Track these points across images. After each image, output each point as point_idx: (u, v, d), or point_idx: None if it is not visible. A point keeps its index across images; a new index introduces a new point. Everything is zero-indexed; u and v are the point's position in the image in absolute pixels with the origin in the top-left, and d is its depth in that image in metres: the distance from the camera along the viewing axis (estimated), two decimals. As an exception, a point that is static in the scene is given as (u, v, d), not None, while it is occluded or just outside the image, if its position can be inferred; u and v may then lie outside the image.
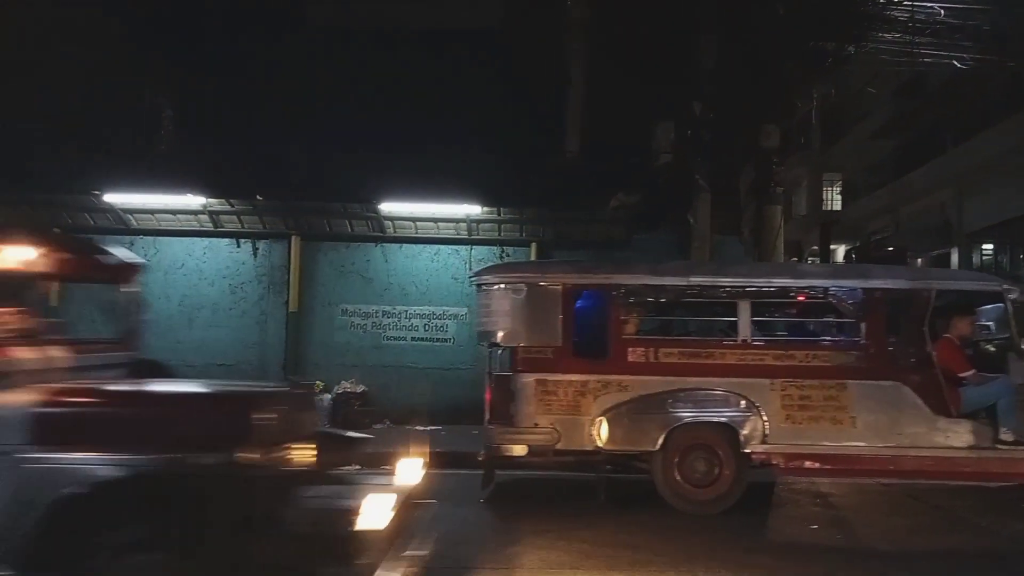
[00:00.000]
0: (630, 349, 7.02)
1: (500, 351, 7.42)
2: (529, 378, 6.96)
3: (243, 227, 12.41)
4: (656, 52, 11.70)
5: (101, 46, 12.86)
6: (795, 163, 19.88)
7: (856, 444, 6.85)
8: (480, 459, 7.27)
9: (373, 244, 12.40)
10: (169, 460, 3.51)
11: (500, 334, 7.18)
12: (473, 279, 7.98)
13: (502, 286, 7.24)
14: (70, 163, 11.48)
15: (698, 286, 7.22)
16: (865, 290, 7.05)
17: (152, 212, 12.32)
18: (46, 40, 12.57)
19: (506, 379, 7.12)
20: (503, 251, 12.30)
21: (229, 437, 3.61)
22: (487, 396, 7.29)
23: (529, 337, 7.06)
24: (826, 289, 7.11)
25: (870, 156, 22.96)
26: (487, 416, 7.24)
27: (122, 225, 12.32)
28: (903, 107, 19.56)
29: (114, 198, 12.01)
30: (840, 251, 23.88)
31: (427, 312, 12.43)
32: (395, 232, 12.31)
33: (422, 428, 9.73)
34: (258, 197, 12.13)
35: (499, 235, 12.37)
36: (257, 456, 3.58)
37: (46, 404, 3.67)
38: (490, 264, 10.18)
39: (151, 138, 13.53)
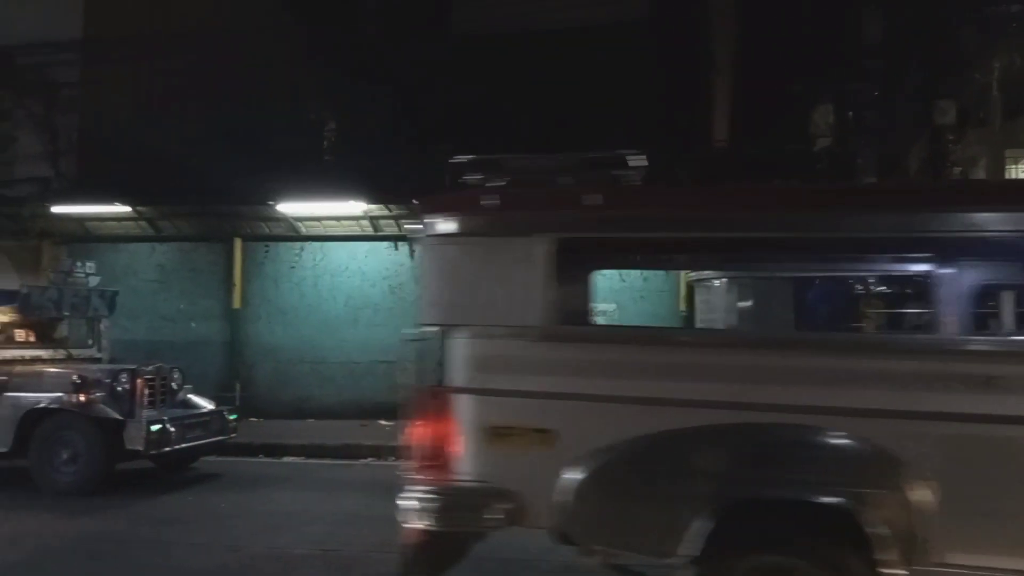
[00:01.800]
0: None
1: None
2: None
3: (401, 231, 13.03)
4: (811, 29, 11.10)
5: (270, 67, 13.88)
6: (973, 140, 18.23)
7: None
8: None
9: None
10: None
11: None
12: None
13: None
14: (247, 177, 12.47)
15: None
16: None
17: (319, 219, 13.18)
18: (221, 65, 13.72)
19: None
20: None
21: None
22: None
23: None
24: None
25: (1062, 128, 20.62)
26: None
27: (293, 232, 13.28)
28: (1103, 71, 17.44)
29: (286, 207, 12.95)
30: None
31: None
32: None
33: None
34: (414, 201, 12.58)
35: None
36: None
37: None
38: None
39: (317, 149, 14.43)
